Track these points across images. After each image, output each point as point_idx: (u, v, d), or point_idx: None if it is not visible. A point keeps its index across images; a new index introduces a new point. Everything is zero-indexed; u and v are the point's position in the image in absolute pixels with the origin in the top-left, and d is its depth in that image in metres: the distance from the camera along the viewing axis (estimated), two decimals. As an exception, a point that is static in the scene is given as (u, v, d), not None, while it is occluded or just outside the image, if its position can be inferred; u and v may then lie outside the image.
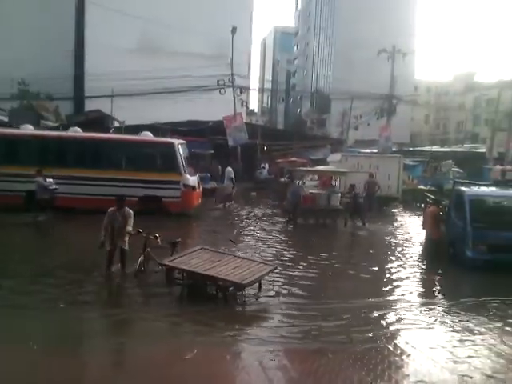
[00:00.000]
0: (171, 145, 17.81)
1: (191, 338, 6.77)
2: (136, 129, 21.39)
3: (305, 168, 17.12)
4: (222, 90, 30.40)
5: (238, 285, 8.13)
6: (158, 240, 9.40)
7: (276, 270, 9.64)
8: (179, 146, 17.78)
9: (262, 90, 72.87)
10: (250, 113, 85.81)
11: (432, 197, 15.61)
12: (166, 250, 9.45)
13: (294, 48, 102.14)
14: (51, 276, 9.32)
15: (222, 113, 27.03)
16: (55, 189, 15.36)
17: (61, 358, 5.94)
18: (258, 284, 8.77)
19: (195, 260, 8.80)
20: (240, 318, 7.75)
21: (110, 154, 18.01)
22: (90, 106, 35.53)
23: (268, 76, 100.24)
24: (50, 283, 8.88)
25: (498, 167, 30.34)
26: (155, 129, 22.36)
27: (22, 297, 8.08)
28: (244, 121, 27.77)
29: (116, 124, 29.47)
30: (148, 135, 18.99)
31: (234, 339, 6.91)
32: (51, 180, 15.35)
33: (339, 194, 17.23)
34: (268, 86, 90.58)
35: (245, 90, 34.51)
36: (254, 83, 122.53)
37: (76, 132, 18.52)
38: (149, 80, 30.37)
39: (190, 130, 26.16)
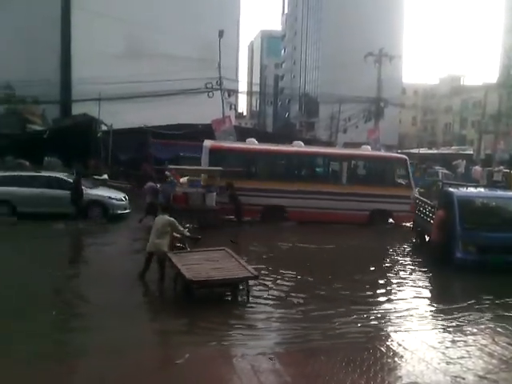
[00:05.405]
0: (404, 160, 18.59)
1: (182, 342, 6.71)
2: (123, 132, 21.11)
3: (178, 166, 16.25)
4: (211, 93, 30.25)
5: (186, 279, 8.09)
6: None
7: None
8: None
9: (250, 94, 72.82)
10: (239, 116, 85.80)
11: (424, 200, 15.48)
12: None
13: (282, 52, 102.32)
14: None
15: (210, 116, 26.80)
16: None
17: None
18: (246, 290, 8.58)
19: (197, 256, 9.01)
20: (232, 321, 7.66)
21: (342, 168, 18.17)
22: (77, 110, 35.11)
23: (256, 79, 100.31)
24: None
25: (478, 168, 30.75)
26: (142, 132, 22.17)
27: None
28: (233, 124, 27.59)
29: (104, 128, 29.19)
30: (367, 148, 19.84)
31: (224, 342, 6.84)
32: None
33: (215, 194, 16.50)
34: (256, 89, 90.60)
35: (233, 93, 34.33)
36: (243, 87, 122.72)
37: (253, 143, 18.86)
38: (136, 84, 30.09)
39: (176, 133, 25.86)
